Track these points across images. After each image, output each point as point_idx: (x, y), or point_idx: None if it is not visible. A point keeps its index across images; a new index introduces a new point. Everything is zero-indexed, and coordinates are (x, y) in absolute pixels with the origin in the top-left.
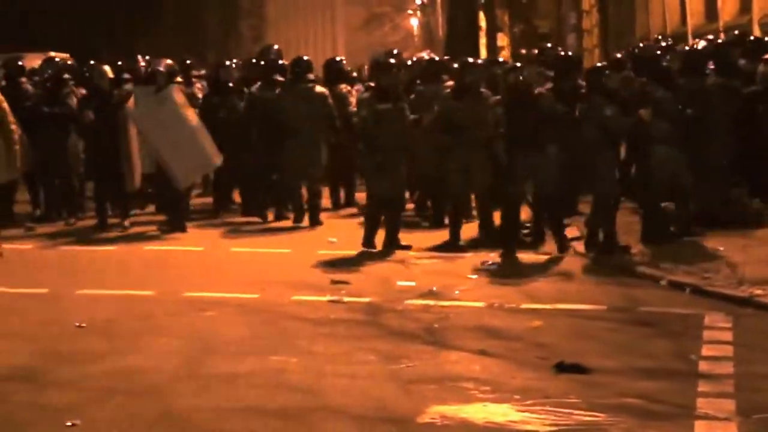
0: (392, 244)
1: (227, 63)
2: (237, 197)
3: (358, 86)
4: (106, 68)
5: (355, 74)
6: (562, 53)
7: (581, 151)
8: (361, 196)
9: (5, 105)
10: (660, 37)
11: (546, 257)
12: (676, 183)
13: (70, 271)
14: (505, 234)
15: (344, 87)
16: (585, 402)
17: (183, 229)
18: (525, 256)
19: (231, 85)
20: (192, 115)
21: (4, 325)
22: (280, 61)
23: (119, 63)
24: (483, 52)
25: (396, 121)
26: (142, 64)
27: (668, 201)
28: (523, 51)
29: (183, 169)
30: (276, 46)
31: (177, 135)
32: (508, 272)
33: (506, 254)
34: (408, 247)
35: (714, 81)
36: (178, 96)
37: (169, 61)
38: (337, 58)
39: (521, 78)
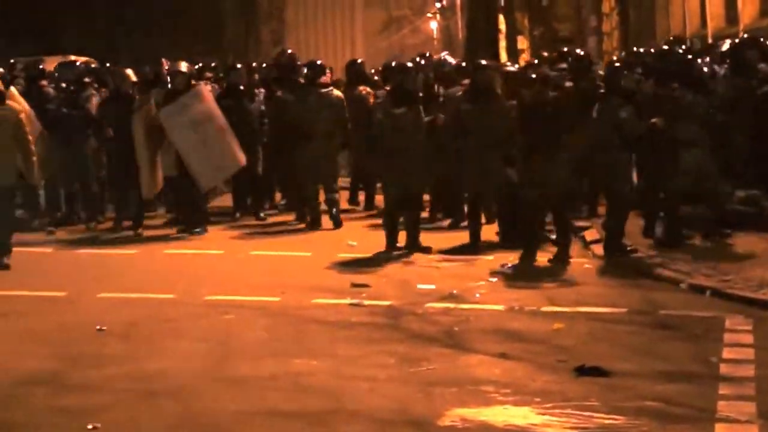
0: (413, 246)
1: (238, 66)
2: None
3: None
4: (129, 72)
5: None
6: (580, 53)
7: (595, 152)
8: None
9: (23, 116)
10: (672, 39)
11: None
12: (704, 186)
13: (90, 274)
14: (524, 237)
15: (363, 89)
16: (605, 405)
17: (204, 231)
18: (544, 259)
19: (242, 87)
20: (219, 116)
21: (24, 328)
22: (299, 64)
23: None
24: (503, 56)
25: (412, 124)
26: (183, 68)
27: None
28: (545, 54)
29: (207, 171)
30: (290, 50)
31: (204, 135)
32: (527, 275)
33: (525, 257)
34: (428, 249)
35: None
36: (208, 95)
37: (186, 63)
38: (359, 60)
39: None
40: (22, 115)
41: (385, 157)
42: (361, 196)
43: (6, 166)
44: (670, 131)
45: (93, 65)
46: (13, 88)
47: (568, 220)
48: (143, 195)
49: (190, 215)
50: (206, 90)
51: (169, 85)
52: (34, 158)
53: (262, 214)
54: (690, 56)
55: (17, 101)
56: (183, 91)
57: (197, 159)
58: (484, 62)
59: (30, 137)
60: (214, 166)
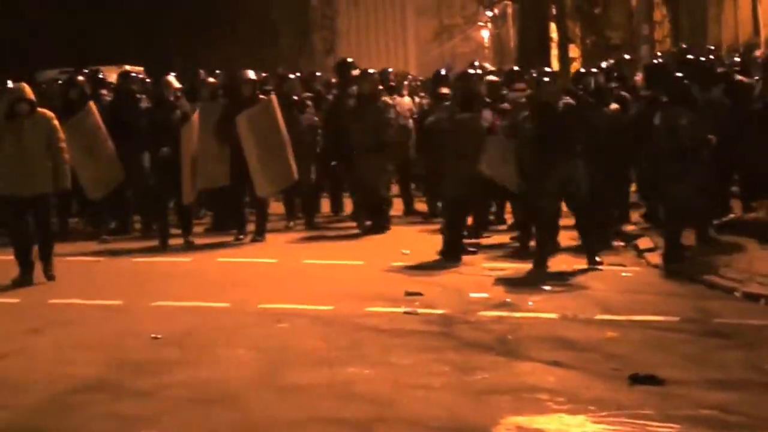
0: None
1: (291, 76)
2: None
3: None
4: (171, 79)
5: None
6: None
7: (657, 159)
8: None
9: (56, 123)
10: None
11: (620, 268)
12: None
13: (145, 282)
14: (538, 244)
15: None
16: (660, 413)
17: (263, 238)
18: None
19: (295, 98)
20: (283, 127)
21: (80, 336)
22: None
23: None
24: (555, 64)
25: (475, 129)
26: (211, 79)
27: None
28: (603, 64)
29: (266, 180)
30: (350, 59)
31: (272, 145)
32: (581, 283)
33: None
34: (475, 252)
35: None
36: (278, 106)
37: (253, 72)
38: (388, 69)
39: (548, 91)
40: (55, 122)
41: (445, 161)
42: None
43: (40, 175)
44: None
45: (141, 76)
46: (91, 103)
47: (590, 226)
48: (185, 200)
49: (240, 222)
50: (276, 102)
51: (196, 93)
52: (66, 166)
53: (313, 223)
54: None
55: (93, 113)
56: (250, 98)
57: (261, 166)
58: (549, 70)
59: (64, 145)
60: (272, 176)
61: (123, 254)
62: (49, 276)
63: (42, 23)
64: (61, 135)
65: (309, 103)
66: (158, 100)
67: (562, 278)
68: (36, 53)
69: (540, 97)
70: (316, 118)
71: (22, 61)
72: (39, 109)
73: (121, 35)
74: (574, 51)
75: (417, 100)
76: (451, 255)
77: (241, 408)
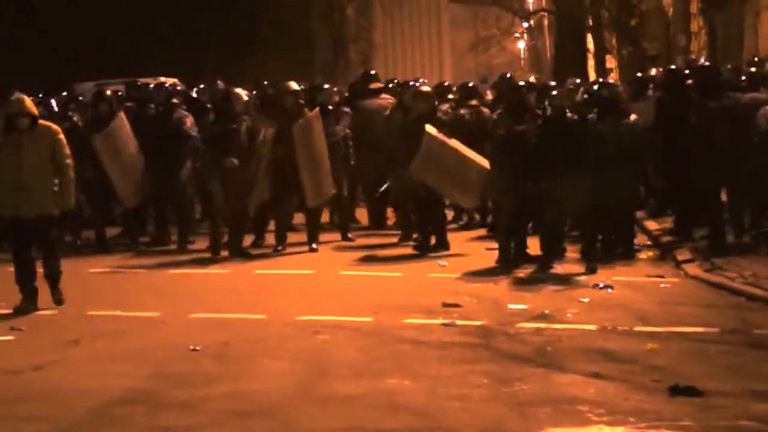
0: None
1: (326, 86)
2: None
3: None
4: (240, 91)
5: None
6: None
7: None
8: None
9: (62, 137)
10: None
11: (659, 280)
12: None
13: (182, 294)
14: (542, 248)
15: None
16: (700, 425)
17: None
18: (636, 279)
19: (330, 108)
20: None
21: (118, 348)
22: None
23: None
24: (591, 75)
25: (530, 140)
26: (246, 92)
27: None
28: (639, 75)
29: (314, 189)
30: (373, 71)
31: (316, 155)
32: (620, 295)
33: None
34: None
35: None
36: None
37: (295, 83)
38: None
39: (558, 103)
40: (61, 136)
41: (500, 171)
42: None
43: (41, 194)
44: None
45: (178, 87)
46: (122, 113)
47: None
48: (250, 212)
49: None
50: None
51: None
52: (72, 184)
53: (349, 235)
54: None
55: (123, 124)
56: (293, 109)
57: (312, 176)
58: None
59: (70, 161)
60: (321, 186)
61: (161, 266)
62: (57, 300)
63: (80, 34)
64: (67, 151)
65: (346, 110)
66: (223, 113)
67: (600, 290)
68: (74, 64)
69: (551, 107)
70: (348, 131)
71: (61, 71)
72: (43, 123)
73: (158, 46)
74: (610, 62)
75: None
76: (508, 263)
77: (282, 420)
